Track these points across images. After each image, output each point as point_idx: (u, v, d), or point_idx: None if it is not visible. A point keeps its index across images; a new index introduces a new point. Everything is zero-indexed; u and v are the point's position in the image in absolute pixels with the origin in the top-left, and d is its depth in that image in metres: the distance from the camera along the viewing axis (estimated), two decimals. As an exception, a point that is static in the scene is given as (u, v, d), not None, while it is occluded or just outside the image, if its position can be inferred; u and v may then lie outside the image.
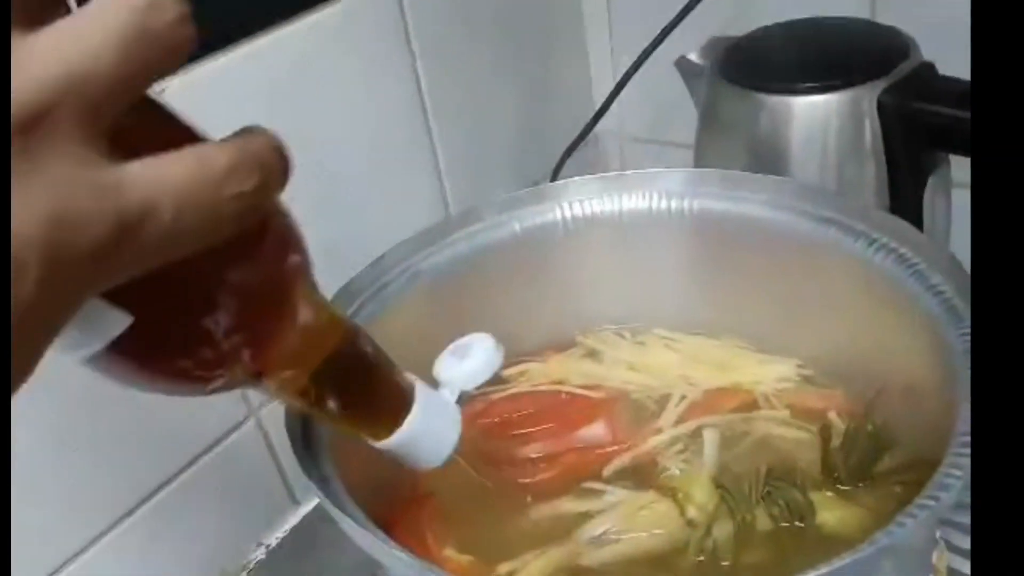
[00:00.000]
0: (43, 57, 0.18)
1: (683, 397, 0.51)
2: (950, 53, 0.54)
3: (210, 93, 0.52)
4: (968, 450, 0.32)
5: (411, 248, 0.52)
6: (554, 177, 0.76)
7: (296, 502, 0.67)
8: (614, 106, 0.79)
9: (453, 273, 0.54)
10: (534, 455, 0.50)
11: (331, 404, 0.33)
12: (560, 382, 0.54)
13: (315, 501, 0.67)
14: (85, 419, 0.51)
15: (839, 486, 0.44)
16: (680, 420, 0.50)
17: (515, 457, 0.51)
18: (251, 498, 0.64)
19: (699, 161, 0.60)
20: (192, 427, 0.58)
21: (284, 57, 0.57)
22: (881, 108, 0.51)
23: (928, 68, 0.52)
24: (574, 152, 0.76)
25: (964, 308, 0.39)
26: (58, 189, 0.18)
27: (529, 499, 0.48)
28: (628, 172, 0.54)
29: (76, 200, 0.18)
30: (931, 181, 0.54)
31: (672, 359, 0.54)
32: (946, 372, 0.38)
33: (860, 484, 0.44)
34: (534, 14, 0.76)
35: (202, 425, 0.59)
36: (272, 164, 0.22)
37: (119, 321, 0.23)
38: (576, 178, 0.55)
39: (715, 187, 0.52)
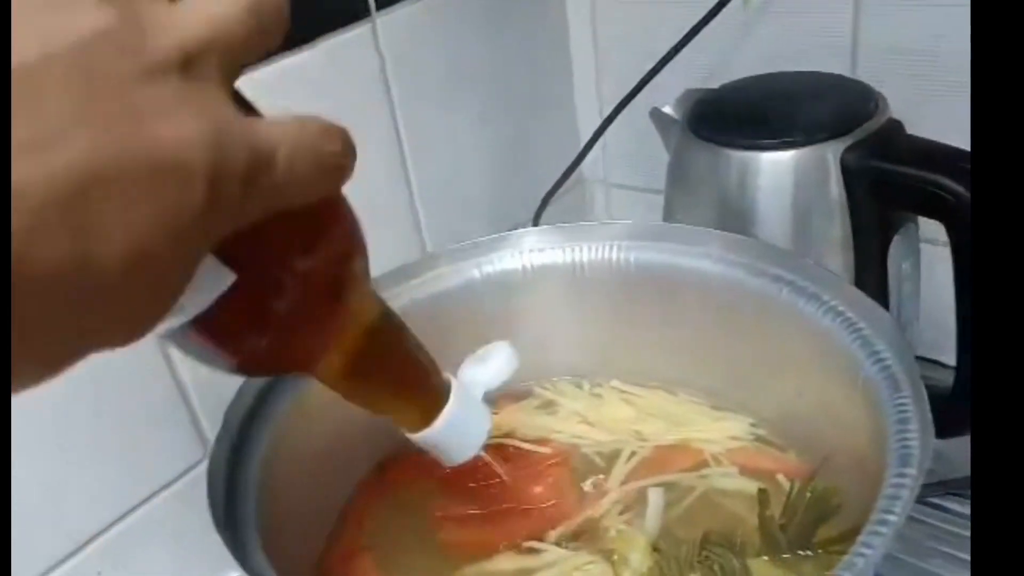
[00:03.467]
0: (194, 13, 0.21)
1: (632, 454, 0.50)
2: (926, 111, 0.54)
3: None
4: (891, 515, 0.31)
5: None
6: (535, 222, 0.76)
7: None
8: (599, 153, 0.80)
9: (412, 317, 0.52)
10: (478, 511, 0.49)
11: (374, 392, 0.35)
12: (510, 434, 0.53)
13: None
14: (38, 457, 0.51)
15: (779, 553, 0.43)
16: (628, 478, 0.49)
17: (459, 512, 0.50)
18: (205, 540, 0.63)
19: (668, 212, 0.60)
20: (147, 465, 0.58)
21: (261, 97, 0.57)
22: (844, 166, 0.50)
23: (895, 126, 0.52)
24: (559, 198, 0.76)
25: (903, 378, 0.38)
26: (215, 115, 0.21)
27: (468, 556, 0.47)
28: (586, 223, 0.54)
29: (228, 126, 0.21)
30: (897, 239, 0.53)
31: (626, 413, 0.53)
32: (880, 439, 0.37)
33: (800, 552, 0.42)
34: (522, 61, 0.76)
35: (157, 463, 0.58)
36: (348, 136, 0.25)
37: (225, 278, 0.25)
38: (535, 227, 0.55)
39: (671, 241, 0.51)
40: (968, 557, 0.54)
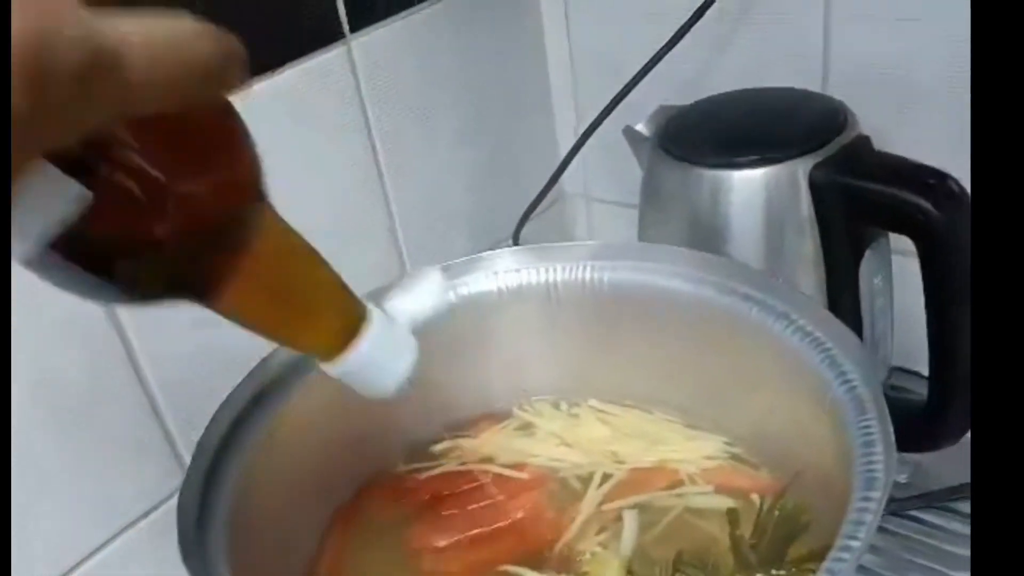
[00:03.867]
0: None
1: (608, 476, 0.51)
2: (897, 126, 0.54)
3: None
4: (845, 555, 0.31)
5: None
6: (515, 238, 0.76)
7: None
8: (579, 169, 0.80)
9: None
10: (454, 537, 0.49)
11: (278, 319, 0.33)
12: (489, 459, 0.53)
13: None
14: (14, 486, 0.50)
15: (753, 573, 0.43)
16: (604, 500, 0.50)
17: (438, 538, 0.50)
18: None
19: (642, 229, 0.60)
20: (122, 495, 0.57)
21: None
22: (813, 183, 0.51)
23: (863, 142, 0.52)
24: (540, 213, 0.76)
25: (868, 399, 0.38)
26: (44, 12, 0.19)
27: (445, 576, 0.47)
28: (559, 243, 0.54)
29: (60, 24, 0.19)
30: (868, 254, 0.53)
31: (603, 433, 0.54)
32: (846, 460, 0.37)
33: (773, 571, 0.43)
34: (499, 79, 0.76)
35: (132, 493, 0.58)
36: (232, 43, 0.23)
37: (77, 195, 0.23)
38: (508, 248, 0.55)
39: (644, 260, 0.51)
40: (947, 571, 0.55)
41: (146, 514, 0.59)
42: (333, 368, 0.35)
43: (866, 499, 0.33)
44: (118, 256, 0.26)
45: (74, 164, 0.22)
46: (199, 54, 0.22)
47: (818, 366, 0.42)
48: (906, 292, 0.56)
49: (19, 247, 0.23)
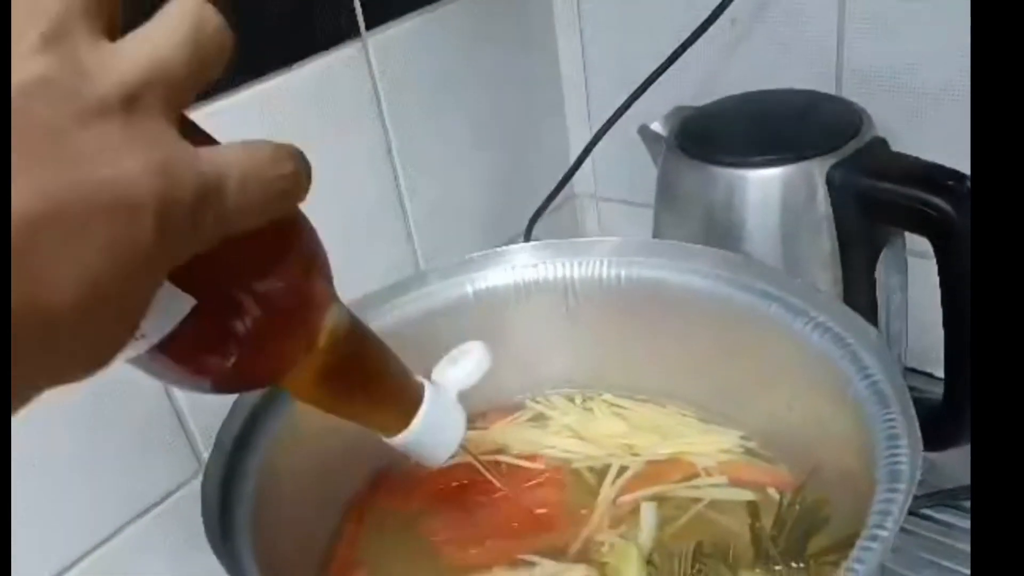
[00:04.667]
0: (133, 53, 0.22)
1: (625, 468, 0.51)
2: (911, 128, 0.55)
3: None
4: (882, 530, 0.32)
5: (359, 309, 0.52)
6: (527, 236, 0.77)
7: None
8: (589, 168, 0.80)
9: (404, 333, 0.53)
10: (470, 527, 0.50)
11: (347, 401, 0.36)
12: (502, 450, 0.54)
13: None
14: (22, 476, 0.50)
15: (771, 565, 0.43)
16: (620, 493, 0.50)
17: (453, 529, 0.50)
18: (199, 557, 0.63)
19: (657, 228, 0.60)
20: (139, 482, 0.58)
21: (254, 116, 0.58)
22: (830, 183, 0.51)
23: (880, 144, 0.52)
24: (551, 213, 0.76)
25: (891, 393, 0.39)
26: (159, 148, 0.21)
27: (462, 571, 0.47)
28: (578, 239, 0.54)
29: (174, 158, 0.21)
30: (884, 254, 0.53)
31: (618, 427, 0.54)
32: (870, 454, 0.38)
33: (793, 564, 0.43)
34: (512, 79, 0.77)
35: (149, 480, 0.58)
36: (301, 156, 0.26)
37: (184, 304, 0.25)
38: (526, 243, 0.55)
39: (661, 257, 0.52)
40: (960, 568, 0.55)
41: (160, 501, 0.59)
42: (393, 441, 0.39)
43: (892, 490, 0.34)
44: (210, 357, 0.28)
45: (182, 278, 0.24)
46: (280, 176, 0.25)
47: (839, 361, 0.42)
48: (919, 293, 0.56)
49: (132, 350, 0.25)
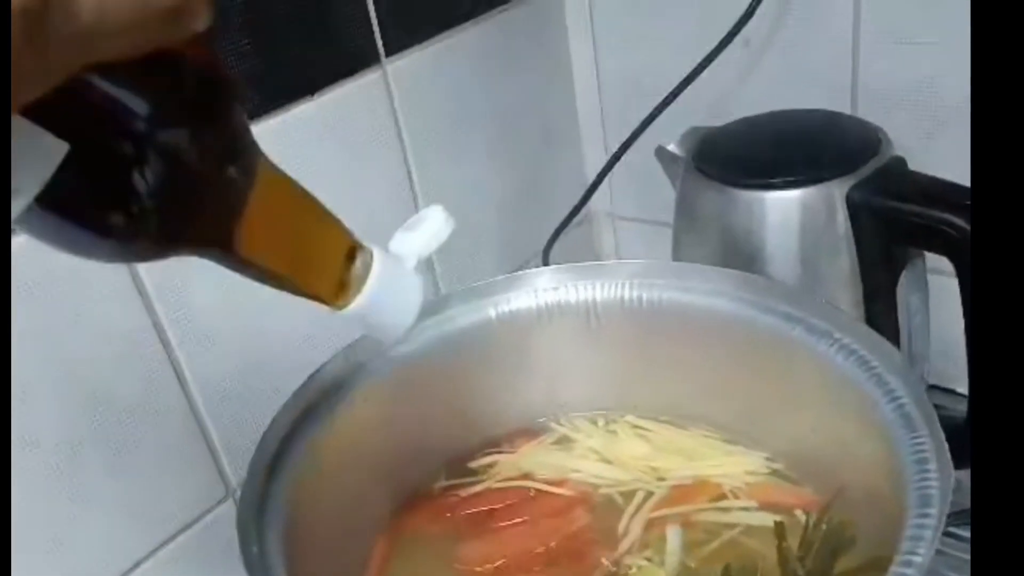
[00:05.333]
0: None
1: (651, 493, 0.51)
2: (927, 148, 0.55)
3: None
4: (915, 556, 0.32)
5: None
6: (545, 256, 0.77)
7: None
8: (606, 188, 0.81)
9: (427, 357, 0.54)
10: (499, 553, 0.50)
11: (280, 265, 0.33)
12: (528, 475, 0.54)
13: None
14: (59, 496, 0.51)
15: (799, 588, 0.43)
16: (647, 518, 0.50)
17: (482, 554, 0.50)
18: (228, 581, 0.64)
19: (676, 248, 0.61)
20: (168, 504, 0.58)
21: (277, 143, 0.58)
22: (850, 204, 0.51)
23: (898, 163, 0.53)
24: (567, 232, 0.77)
25: (918, 416, 0.39)
26: None
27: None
28: (599, 262, 0.55)
29: None
30: (905, 274, 0.54)
31: (642, 449, 0.54)
32: (899, 478, 0.38)
33: (819, 586, 0.43)
34: (528, 102, 0.78)
35: (178, 502, 0.59)
36: None
37: (56, 149, 0.23)
38: (549, 266, 0.56)
39: (683, 279, 0.52)
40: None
41: (189, 526, 0.60)
42: (345, 312, 0.35)
43: (923, 515, 0.34)
44: (105, 208, 0.25)
45: (52, 118, 0.22)
46: None
47: (864, 384, 0.42)
48: (940, 310, 0.57)
49: (15, 207, 0.23)
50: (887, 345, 0.42)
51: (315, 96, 0.60)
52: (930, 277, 0.57)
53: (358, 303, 0.35)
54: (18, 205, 0.23)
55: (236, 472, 0.62)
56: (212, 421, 0.59)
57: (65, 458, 0.51)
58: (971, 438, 0.46)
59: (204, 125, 0.27)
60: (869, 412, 0.42)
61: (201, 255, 0.30)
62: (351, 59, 0.62)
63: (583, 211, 0.78)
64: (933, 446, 0.37)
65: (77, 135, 0.23)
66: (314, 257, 0.34)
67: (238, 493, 0.63)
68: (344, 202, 0.63)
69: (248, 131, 0.29)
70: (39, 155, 0.23)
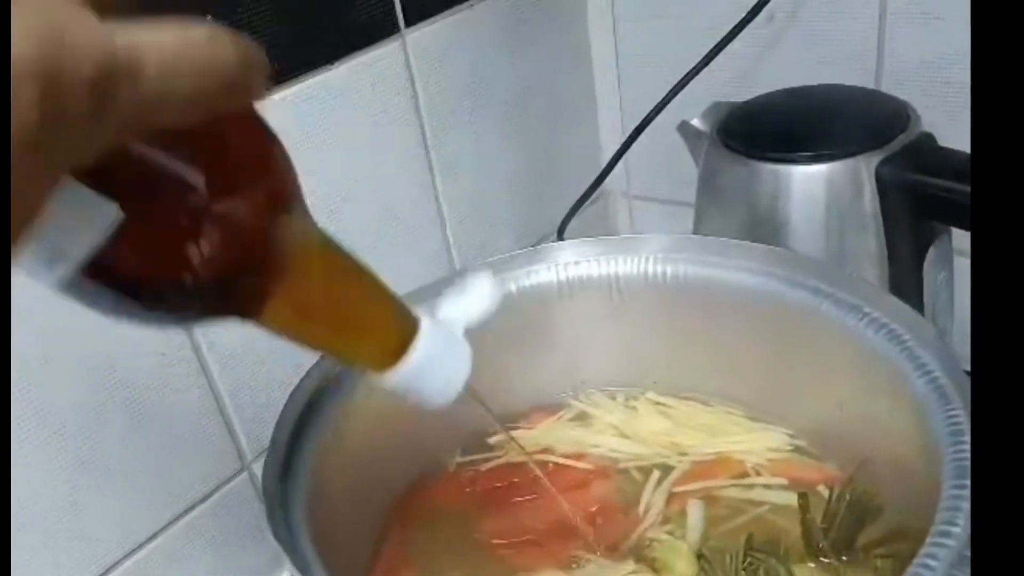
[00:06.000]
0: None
1: (671, 468, 0.51)
2: (954, 124, 0.54)
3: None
4: (954, 527, 0.32)
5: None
6: (560, 234, 0.77)
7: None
8: (621, 166, 0.80)
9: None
10: (519, 527, 0.50)
11: (329, 332, 0.32)
12: (547, 450, 0.54)
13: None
14: (62, 474, 0.51)
15: (822, 558, 0.43)
16: (668, 492, 0.50)
17: (501, 528, 0.50)
18: (241, 554, 0.63)
19: (698, 224, 0.60)
20: (184, 477, 0.58)
21: (295, 114, 0.58)
22: (879, 179, 0.51)
23: (928, 139, 0.52)
24: (582, 210, 0.76)
25: (951, 389, 0.39)
26: (53, 14, 0.18)
27: (512, 570, 0.48)
28: (622, 236, 0.55)
29: (70, 26, 0.18)
30: (932, 251, 0.53)
31: (662, 425, 0.54)
32: (932, 452, 0.37)
33: (843, 557, 0.43)
34: (545, 78, 0.77)
35: (194, 475, 0.59)
36: (251, 49, 0.22)
37: (108, 213, 0.22)
38: (570, 240, 0.55)
39: (708, 253, 0.51)
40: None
41: (205, 499, 0.60)
42: (387, 381, 0.35)
43: (960, 487, 0.33)
44: (154, 279, 0.25)
45: (106, 183, 0.22)
46: (216, 61, 0.21)
47: (895, 358, 0.42)
48: (962, 294, 0.56)
49: (53, 272, 0.23)
50: (919, 318, 0.42)
51: (335, 65, 0.60)
52: (954, 259, 0.56)
53: (401, 371, 0.34)
54: (66, 269, 0.23)
55: (251, 446, 0.62)
56: (228, 395, 0.59)
57: (78, 432, 0.51)
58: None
59: (255, 192, 0.26)
60: (900, 386, 0.41)
61: (239, 320, 0.29)
62: (371, 29, 0.61)
63: (599, 189, 0.78)
64: (967, 418, 0.36)
65: (131, 203, 0.22)
66: (361, 331, 0.34)
67: (253, 467, 0.63)
68: (361, 174, 0.63)
69: (297, 190, 0.28)
70: (91, 220, 0.22)
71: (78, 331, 0.49)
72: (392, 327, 0.34)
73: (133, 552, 0.56)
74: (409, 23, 0.64)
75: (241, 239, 0.26)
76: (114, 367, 0.52)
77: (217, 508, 0.60)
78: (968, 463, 0.35)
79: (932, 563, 0.30)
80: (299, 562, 0.37)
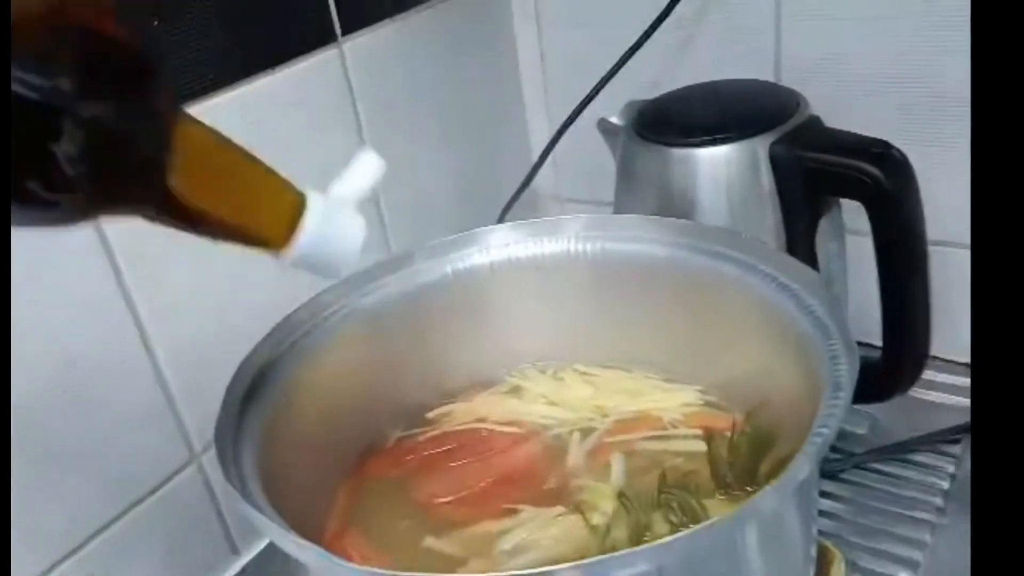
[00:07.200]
0: None
1: (595, 428, 0.55)
2: (839, 109, 0.61)
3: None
4: (819, 437, 0.36)
5: (348, 287, 0.55)
6: (493, 236, 0.81)
7: (236, 552, 0.69)
8: (551, 169, 0.85)
9: (387, 313, 0.57)
10: (457, 487, 0.53)
11: (214, 215, 0.34)
12: (482, 420, 0.57)
13: (255, 551, 0.69)
14: (22, 465, 0.52)
15: (730, 491, 0.47)
16: (592, 449, 0.54)
17: (440, 489, 0.53)
18: (191, 546, 0.65)
19: (618, 210, 0.65)
20: (133, 469, 0.60)
21: (240, 114, 0.62)
22: (773, 157, 0.56)
23: (815, 121, 0.58)
24: (515, 213, 0.81)
25: (833, 326, 0.43)
26: None
27: (451, 525, 0.51)
28: (547, 218, 0.59)
29: None
30: (823, 223, 0.59)
31: (588, 392, 0.58)
32: (817, 381, 0.42)
33: (748, 488, 0.47)
34: (476, 84, 0.82)
35: (141, 468, 0.61)
36: None
37: None
38: (500, 224, 0.59)
39: (624, 230, 0.56)
40: (904, 512, 0.60)
41: (154, 491, 0.62)
42: (289, 254, 0.37)
43: (836, 397, 0.38)
44: (24, 177, 0.27)
45: None
46: None
47: (786, 305, 0.46)
48: (855, 268, 0.62)
49: None
50: (805, 268, 0.47)
51: (275, 70, 0.63)
52: (848, 238, 0.62)
53: (298, 244, 0.36)
54: None
55: (200, 438, 0.64)
56: (177, 387, 0.61)
57: (26, 422, 0.52)
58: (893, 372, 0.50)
59: (117, 93, 0.28)
60: (791, 329, 0.46)
61: (138, 215, 0.31)
62: (309, 36, 0.66)
63: (530, 194, 0.82)
64: (844, 347, 0.41)
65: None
66: (251, 206, 0.36)
67: (202, 458, 0.65)
68: (303, 174, 0.67)
69: (168, 93, 0.31)
70: None
71: (26, 323, 0.51)
72: (282, 202, 0.36)
73: (83, 545, 0.57)
74: (346, 32, 0.68)
75: (102, 135, 0.28)
76: (62, 360, 0.54)
77: (167, 500, 0.62)
78: (843, 379, 0.39)
79: (824, 431, 0.35)
80: (255, 503, 0.39)
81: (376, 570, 0.33)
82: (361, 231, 0.39)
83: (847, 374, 0.39)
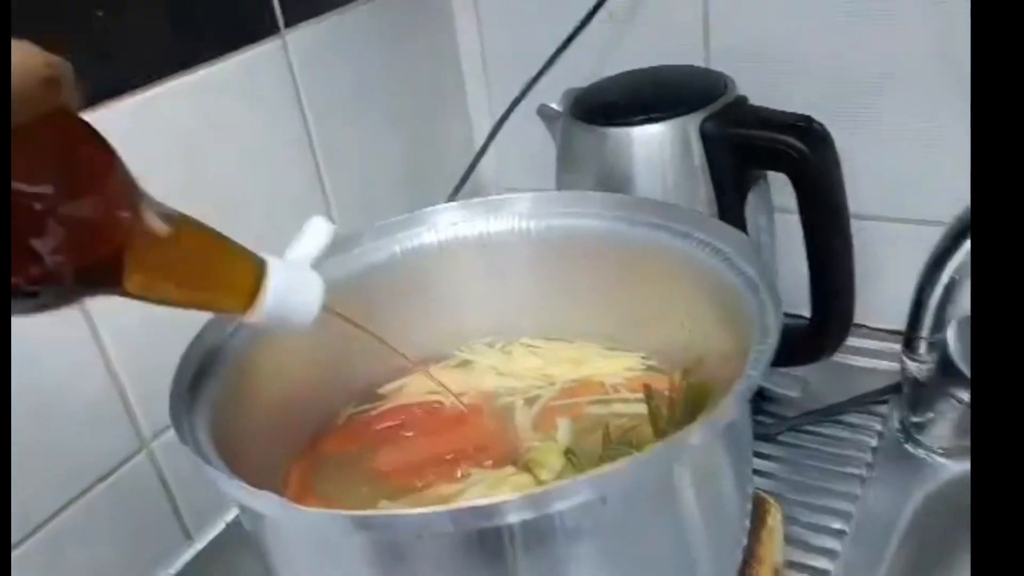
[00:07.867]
0: None
1: (541, 395, 0.57)
2: (764, 89, 0.64)
3: (113, 133, 0.57)
4: (749, 380, 0.39)
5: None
6: (438, 223, 0.83)
7: (190, 539, 0.69)
8: (494, 159, 0.88)
9: (337, 292, 0.58)
10: (410, 456, 0.55)
11: (180, 292, 0.37)
12: (434, 392, 0.59)
13: (209, 538, 0.70)
14: None
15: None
16: (540, 414, 0.56)
17: (394, 459, 0.55)
18: (144, 533, 0.66)
19: (559, 189, 0.68)
20: (82, 457, 0.61)
21: (185, 104, 0.63)
22: (703, 133, 0.60)
23: (742, 100, 0.62)
24: (457, 198, 0.83)
25: (761, 283, 0.46)
26: None
27: (406, 491, 0.52)
28: (493, 197, 0.61)
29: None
30: (751, 196, 0.62)
31: (534, 362, 0.60)
32: (748, 338, 0.45)
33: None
34: (418, 74, 0.84)
35: (94, 453, 0.61)
36: (59, 59, 0.27)
37: None
38: (447, 204, 0.61)
39: (566, 206, 0.58)
40: (836, 468, 0.63)
41: (104, 477, 0.62)
42: (254, 318, 0.40)
43: (763, 344, 0.41)
44: (20, 279, 0.29)
45: None
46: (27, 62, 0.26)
47: (719, 267, 0.49)
48: (784, 244, 0.65)
49: None
50: (736, 232, 0.50)
51: (220, 60, 0.65)
52: (777, 215, 0.65)
53: (260, 309, 0.40)
54: None
55: (150, 425, 0.65)
56: (125, 373, 0.62)
57: None
58: (820, 336, 0.53)
59: (95, 193, 0.31)
60: (723, 289, 0.49)
61: (107, 295, 0.34)
62: (252, 27, 0.67)
63: (473, 183, 0.84)
64: (771, 299, 0.44)
65: None
66: (215, 283, 0.39)
67: (152, 445, 0.65)
68: (249, 163, 0.68)
69: (130, 184, 0.33)
70: None
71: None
72: (244, 272, 0.39)
73: (34, 532, 0.58)
74: (289, 24, 0.70)
75: (86, 233, 0.31)
76: (21, 361, 0.54)
77: (118, 487, 0.63)
78: (771, 326, 0.42)
79: (753, 373, 0.38)
80: (209, 459, 0.41)
81: (325, 511, 0.34)
82: (319, 288, 0.43)
83: (774, 323, 0.42)
